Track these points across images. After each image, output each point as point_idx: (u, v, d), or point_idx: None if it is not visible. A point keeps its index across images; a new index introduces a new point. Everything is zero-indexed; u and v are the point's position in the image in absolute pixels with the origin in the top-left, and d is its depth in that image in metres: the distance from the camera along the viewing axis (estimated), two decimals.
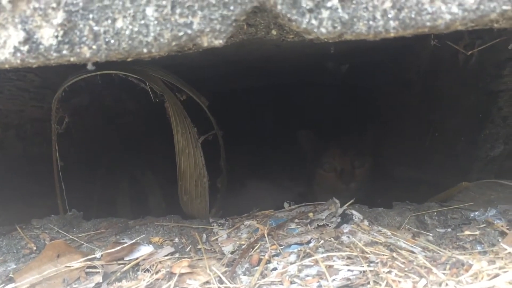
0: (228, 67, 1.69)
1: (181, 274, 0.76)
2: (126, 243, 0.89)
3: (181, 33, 0.59)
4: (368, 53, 1.70)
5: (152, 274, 0.76)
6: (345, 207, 0.95)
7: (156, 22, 0.59)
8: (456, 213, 0.94)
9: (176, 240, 0.93)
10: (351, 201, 0.97)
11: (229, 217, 1.04)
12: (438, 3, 0.59)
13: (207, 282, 0.74)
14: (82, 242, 0.92)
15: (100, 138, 1.53)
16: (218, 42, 0.61)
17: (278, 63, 1.80)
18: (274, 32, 0.70)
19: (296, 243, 0.85)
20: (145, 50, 0.59)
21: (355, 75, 2.02)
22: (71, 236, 0.94)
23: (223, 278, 0.74)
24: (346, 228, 0.88)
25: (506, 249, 0.75)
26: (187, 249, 0.89)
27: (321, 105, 2.23)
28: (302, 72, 2.04)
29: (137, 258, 0.83)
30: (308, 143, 1.94)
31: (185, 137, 0.98)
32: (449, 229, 0.89)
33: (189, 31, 0.59)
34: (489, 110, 1.07)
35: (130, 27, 0.59)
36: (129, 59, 0.61)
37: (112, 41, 0.59)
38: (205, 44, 0.60)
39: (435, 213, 0.96)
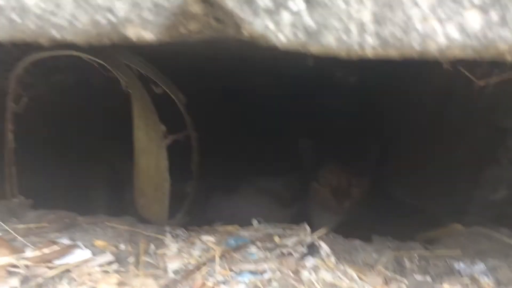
0: (233, 63, 1.59)
1: None
2: (63, 243, 0.79)
3: (102, 19, 0.49)
4: (381, 67, 1.59)
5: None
6: (315, 236, 0.84)
7: (72, 1, 0.48)
8: (440, 260, 0.83)
9: (122, 247, 0.83)
10: (323, 230, 0.87)
11: (190, 227, 0.94)
12: (432, 23, 0.48)
13: None
14: (17, 235, 0.82)
15: (82, 120, 1.44)
16: (150, 37, 0.50)
17: (284, 66, 1.70)
18: (244, 31, 0.59)
19: (250, 271, 0.74)
20: (58, 36, 0.49)
21: (365, 89, 1.91)
22: (6, 227, 0.84)
23: None
24: (309, 261, 0.77)
25: None
26: (130, 260, 0.79)
27: (326, 115, 2.12)
28: (309, 78, 1.94)
29: (68, 264, 0.74)
30: (308, 153, 1.83)
31: (148, 135, 0.88)
32: (428, 278, 0.78)
33: (113, 18, 0.49)
34: (496, 148, 0.95)
35: (41, 4, 0.49)
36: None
37: (18, 19, 0.49)
38: (132, 37, 0.50)
39: (416, 256, 0.85)
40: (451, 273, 0.78)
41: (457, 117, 1.19)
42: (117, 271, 0.73)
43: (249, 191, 1.84)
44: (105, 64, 0.85)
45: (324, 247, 0.80)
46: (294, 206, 1.80)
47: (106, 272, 0.72)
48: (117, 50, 0.91)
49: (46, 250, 0.75)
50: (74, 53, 0.86)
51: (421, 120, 1.54)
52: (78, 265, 0.73)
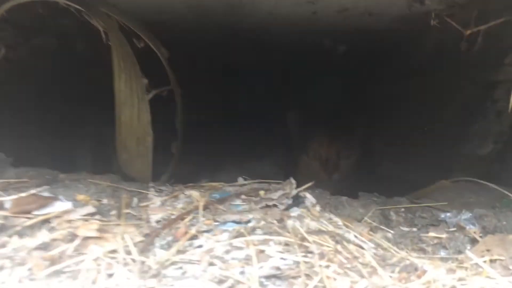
0: (221, 33, 1.57)
1: (86, 238, 0.64)
2: (43, 195, 0.77)
3: None
4: (370, 37, 1.57)
5: (52, 233, 0.64)
6: (301, 189, 0.83)
7: None
8: (426, 212, 0.82)
9: (105, 201, 0.82)
10: (309, 184, 0.85)
11: (175, 183, 0.93)
12: None
13: (114, 251, 0.63)
14: None
15: (65, 87, 1.41)
16: None
17: (273, 36, 1.67)
18: None
19: (234, 221, 0.73)
20: None
21: (354, 60, 1.89)
22: None
23: (132, 249, 0.62)
24: (294, 211, 0.76)
25: (472, 259, 0.63)
26: (112, 212, 0.77)
27: (313, 87, 2.10)
28: (297, 50, 1.91)
29: (48, 214, 0.72)
30: (296, 126, 1.81)
31: (129, 86, 0.86)
32: (414, 229, 0.77)
33: None
34: (483, 102, 0.94)
35: None
36: None
37: None
38: None
39: (402, 210, 0.84)
40: (437, 223, 0.78)
41: (445, 79, 1.18)
42: (98, 221, 0.72)
43: (233, 170, 1.82)
44: (82, 9, 0.82)
45: (310, 198, 0.79)
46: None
47: (87, 220, 0.71)
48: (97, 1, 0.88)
49: (24, 201, 0.73)
50: None
51: (408, 88, 1.53)
52: (58, 216, 0.72)
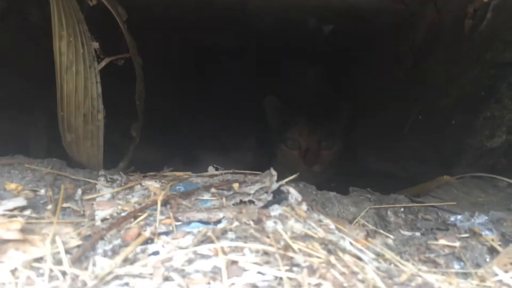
0: (194, 12, 1.41)
1: (5, 241, 0.49)
2: None
3: None
4: (357, 21, 1.45)
5: None
6: (282, 182, 0.69)
7: None
8: (431, 213, 0.70)
9: (42, 191, 0.66)
10: (293, 176, 0.71)
11: (132, 172, 0.78)
12: None
13: (40, 259, 0.48)
14: None
15: (14, 60, 1.24)
16: None
17: (253, 16, 1.52)
18: None
19: (201, 221, 0.59)
20: None
21: (339, 43, 1.76)
22: None
23: (63, 258, 0.48)
24: (275, 210, 0.62)
25: (496, 274, 0.51)
26: (48, 207, 0.62)
27: (294, 73, 1.97)
28: (277, 30, 1.77)
29: None
30: (274, 113, 1.68)
31: (73, 49, 0.70)
32: (418, 233, 0.64)
33: None
34: (495, 86, 0.81)
35: None
36: None
37: None
38: None
39: (402, 209, 0.71)
40: (445, 227, 0.65)
41: (443, 62, 1.05)
42: (28, 218, 0.57)
43: (208, 159, 1.69)
44: None
45: (294, 193, 0.65)
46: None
47: (10, 217, 0.55)
48: None
49: None
50: None
51: (398, 73, 1.40)
52: None
